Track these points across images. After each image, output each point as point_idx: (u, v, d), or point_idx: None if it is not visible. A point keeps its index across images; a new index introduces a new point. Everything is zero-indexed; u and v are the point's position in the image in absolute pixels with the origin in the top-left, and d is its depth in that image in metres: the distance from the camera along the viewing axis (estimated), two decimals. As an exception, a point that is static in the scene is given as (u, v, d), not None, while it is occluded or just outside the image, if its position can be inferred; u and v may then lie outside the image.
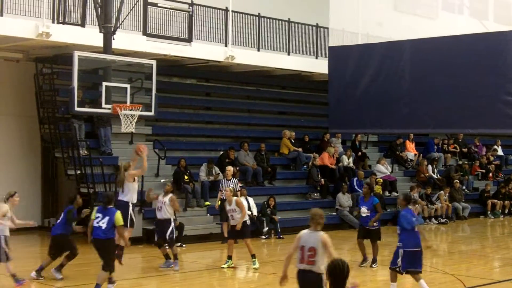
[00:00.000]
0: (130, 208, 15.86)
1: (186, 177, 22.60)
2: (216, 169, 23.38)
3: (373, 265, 17.25)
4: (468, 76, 19.35)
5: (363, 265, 17.24)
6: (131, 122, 18.69)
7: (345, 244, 21.78)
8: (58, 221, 15.67)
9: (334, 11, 22.35)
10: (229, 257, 16.77)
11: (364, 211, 17.02)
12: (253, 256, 16.82)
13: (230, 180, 21.31)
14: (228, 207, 16.87)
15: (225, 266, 16.75)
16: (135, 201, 16.32)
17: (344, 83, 21.88)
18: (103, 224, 13.17)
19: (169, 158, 23.49)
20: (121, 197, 15.95)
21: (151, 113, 19.35)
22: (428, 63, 20.25)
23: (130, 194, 15.94)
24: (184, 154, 24.11)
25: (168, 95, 24.91)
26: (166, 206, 16.65)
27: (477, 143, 34.32)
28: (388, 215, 26.95)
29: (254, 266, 16.67)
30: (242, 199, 21.75)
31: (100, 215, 13.27)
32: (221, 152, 24.92)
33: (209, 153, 25.27)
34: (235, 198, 16.97)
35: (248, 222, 17.24)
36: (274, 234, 22.78)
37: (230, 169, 21.68)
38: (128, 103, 18.64)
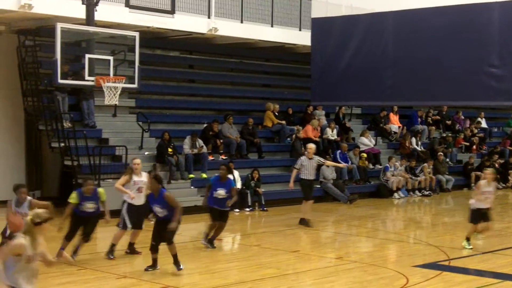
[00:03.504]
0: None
1: (170, 149, 22.57)
2: (200, 142, 23.35)
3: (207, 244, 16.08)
4: (451, 48, 19.35)
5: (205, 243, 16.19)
6: (114, 95, 18.67)
7: (329, 216, 21.89)
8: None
9: (317, -19, 22.30)
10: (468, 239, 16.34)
11: (221, 193, 15.86)
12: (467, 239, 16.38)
13: (312, 158, 19.59)
14: (485, 189, 16.05)
15: (468, 247, 16.21)
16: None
17: (327, 55, 21.81)
18: None
19: (153, 131, 23.43)
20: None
21: (134, 86, 19.33)
22: (411, 35, 20.23)
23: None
24: (168, 127, 24.05)
25: (151, 68, 24.79)
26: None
27: (459, 116, 34.34)
28: (371, 187, 27.13)
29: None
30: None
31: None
32: (205, 125, 24.89)
33: (192, 125, 25.21)
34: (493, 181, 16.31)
35: None
36: (258, 207, 22.83)
37: (312, 147, 19.94)
38: (111, 75, 18.60)
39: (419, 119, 32.15)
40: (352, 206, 24.38)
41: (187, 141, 23.24)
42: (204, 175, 22.92)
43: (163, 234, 13.21)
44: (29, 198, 13.29)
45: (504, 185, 31.46)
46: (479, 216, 16.17)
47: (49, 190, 23.92)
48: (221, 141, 24.51)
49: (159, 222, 13.41)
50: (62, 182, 23.19)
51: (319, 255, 15.86)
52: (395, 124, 31.08)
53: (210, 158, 23.73)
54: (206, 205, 16.06)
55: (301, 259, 15.38)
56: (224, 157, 24.03)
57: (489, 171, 16.72)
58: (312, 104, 26.92)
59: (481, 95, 19.31)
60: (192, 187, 22.48)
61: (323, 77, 21.96)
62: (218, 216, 15.94)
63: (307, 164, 19.43)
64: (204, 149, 23.34)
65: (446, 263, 14.72)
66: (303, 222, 19.51)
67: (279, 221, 20.77)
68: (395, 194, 26.73)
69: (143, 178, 15.13)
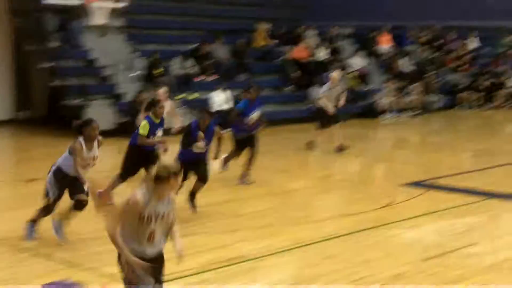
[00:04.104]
0: None
1: (160, 70, 22.48)
2: (189, 62, 23.26)
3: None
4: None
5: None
6: (102, 14, 18.56)
7: (318, 136, 21.95)
8: None
9: None
10: None
11: (255, 117, 14.61)
12: None
13: (335, 87, 18.68)
14: None
15: None
16: None
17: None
18: None
19: (143, 51, 23.29)
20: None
21: (123, 4, 19.18)
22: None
23: None
24: (158, 47, 23.89)
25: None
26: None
27: (450, 36, 34.12)
28: (359, 108, 27.06)
29: None
30: (219, 92, 21.79)
31: None
32: (195, 45, 24.73)
33: (183, 46, 25.02)
34: None
35: None
36: (248, 127, 22.83)
37: (335, 75, 18.92)
38: (99, -6, 18.47)
39: (408, 40, 31.94)
40: (341, 126, 24.38)
41: (176, 61, 23.14)
42: (196, 95, 22.91)
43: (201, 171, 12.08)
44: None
45: (492, 105, 31.47)
46: None
47: (37, 110, 23.89)
48: (211, 61, 24.40)
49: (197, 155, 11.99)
50: (50, 102, 23.12)
51: (308, 174, 16.00)
52: (385, 44, 30.84)
53: (200, 78, 23.70)
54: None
55: (291, 178, 15.51)
56: (213, 78, 24.02)
57: None
58: (305, 24, 26.71)
59: (473, 14, 19.28)
60: (182, 107, 22.45)
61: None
62: (245, 143, 14.71)
63: (330, 93, 18.57)
64: (194, 70, 23.29)
65: (432, 182, 14.85)
66: (341, 148, 18.66)
67: (268, 141, 20.79)
68: (384, 115, 26.74)
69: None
